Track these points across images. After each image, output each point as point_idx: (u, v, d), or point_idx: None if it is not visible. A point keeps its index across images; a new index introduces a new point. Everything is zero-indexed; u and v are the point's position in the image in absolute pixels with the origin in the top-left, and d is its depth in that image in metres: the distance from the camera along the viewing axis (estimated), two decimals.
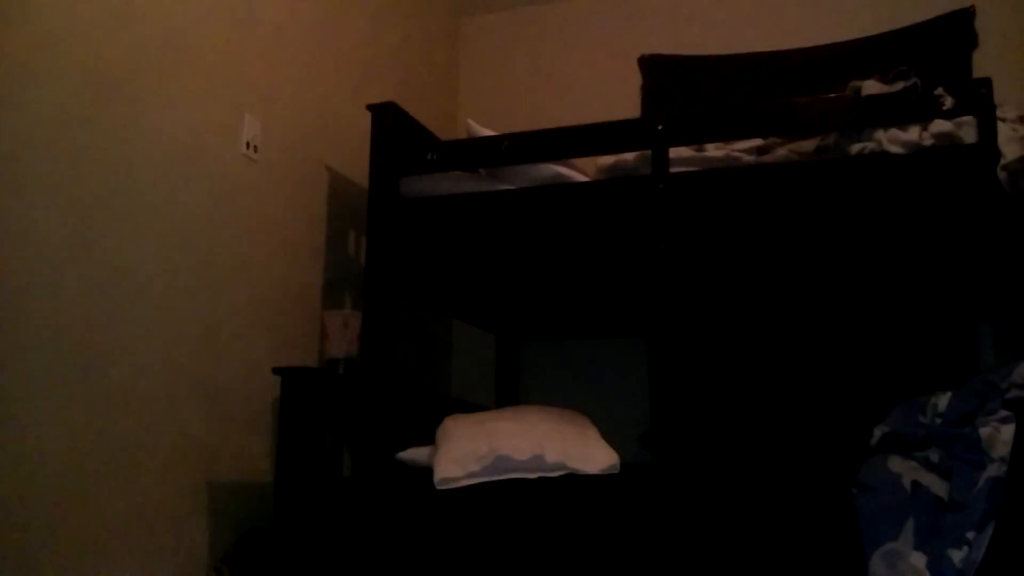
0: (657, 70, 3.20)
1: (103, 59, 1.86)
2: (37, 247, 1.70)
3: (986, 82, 1.95)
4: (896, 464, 1.77)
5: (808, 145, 2.13)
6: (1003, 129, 1.91)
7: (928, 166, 1.95)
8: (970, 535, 1.59)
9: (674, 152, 2.16)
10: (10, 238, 1.64)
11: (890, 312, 2.68)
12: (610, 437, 2.21)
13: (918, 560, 1.61)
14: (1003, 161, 1.88)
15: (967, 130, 1.94)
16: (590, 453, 2.09)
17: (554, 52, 3.46)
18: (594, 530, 1.95)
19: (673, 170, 2.14)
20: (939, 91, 1.97)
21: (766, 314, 2.77)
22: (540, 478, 2.03)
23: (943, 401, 1.86)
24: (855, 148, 2.02)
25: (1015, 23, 2.81)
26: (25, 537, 1.63)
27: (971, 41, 2.82)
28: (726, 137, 2.18)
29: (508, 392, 3.14)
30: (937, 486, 1.70)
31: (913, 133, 1.97)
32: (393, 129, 2.44)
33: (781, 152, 2.16)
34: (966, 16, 2.83)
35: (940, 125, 1.95)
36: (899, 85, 1.98)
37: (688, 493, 1.94)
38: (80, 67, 1.81)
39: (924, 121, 1.97)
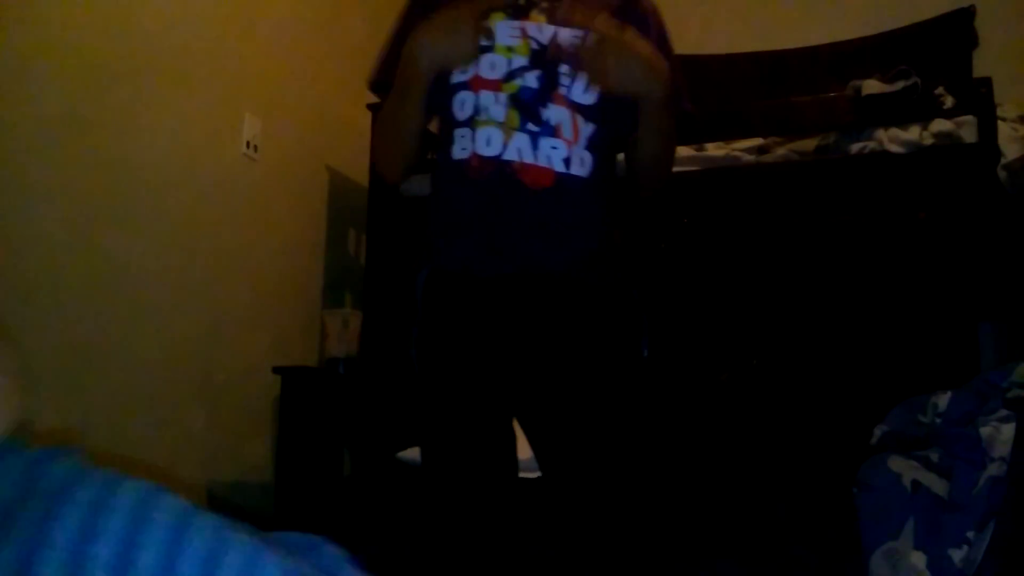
0: None
1: (103, 59, 1.86)
2: (37, 247, 1.70)
3: (986, 82, 1.95)
4: (896, 463, 1.77)
5: (808, 145, 2.13)
6: (1003, 129, 1.91)
7: (928, 165, 1.95)
8: (970, 535, 1.59)
9: None
10: (11, 238, 1.64)
11: (890, 311, 2.67)
12: None
13: (918, 559, 1.61)
14: (1003, 161, 1.88)
15: (967, 130, 1.94)
16: None
17: None
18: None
19: (673, 170, 2.14)
20: (939, 91, 1.97)
21: (766, 313, 2.77)
22: (540, 477, 2.02)
23: (943, 401, 1.86)
24: (855, 147, 2.03)
25: (1015, 23, 2.80)
26: None
27: (971, 41, 2.82)
28: (726, 137, 2.18)
29: None
30: (937, 486, 1.70)
31: (913, 132, 1.97)
32: None
33: (781, 152, 2.16)
34: (966, 16, 2.82)
35: (940, 124, 1.96)
36: (899, 85, 1.99)
37: (687, 492, 1.94)
38: (80, 67, 1.81)
39: (924, 120, 1.97)
